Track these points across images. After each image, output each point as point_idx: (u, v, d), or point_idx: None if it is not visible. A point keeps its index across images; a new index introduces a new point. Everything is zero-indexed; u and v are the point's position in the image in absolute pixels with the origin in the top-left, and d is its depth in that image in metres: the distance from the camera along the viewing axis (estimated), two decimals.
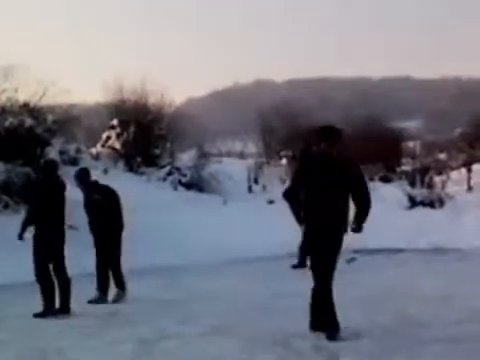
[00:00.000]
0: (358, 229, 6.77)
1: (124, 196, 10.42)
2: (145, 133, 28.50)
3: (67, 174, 13.18)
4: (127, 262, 10.25)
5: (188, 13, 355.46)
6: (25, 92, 19.76)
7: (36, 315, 8.79)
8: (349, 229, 6.83)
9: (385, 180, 32.58)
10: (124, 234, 10.17)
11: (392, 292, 9.67)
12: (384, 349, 6.31)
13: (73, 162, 22.56)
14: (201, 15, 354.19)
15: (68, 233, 9.29)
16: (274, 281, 12.16)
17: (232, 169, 28.60)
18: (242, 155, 45.22)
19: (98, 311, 9.20)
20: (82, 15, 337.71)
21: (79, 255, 10.82)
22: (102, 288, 9.95)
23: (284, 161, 34.63)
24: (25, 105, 19.75)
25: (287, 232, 14.78)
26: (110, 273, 10.04)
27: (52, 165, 9.50)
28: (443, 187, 27.70)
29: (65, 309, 8.98)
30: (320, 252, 6.72)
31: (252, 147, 41.86)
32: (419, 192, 24.89)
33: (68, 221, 9.42)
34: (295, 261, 14.21)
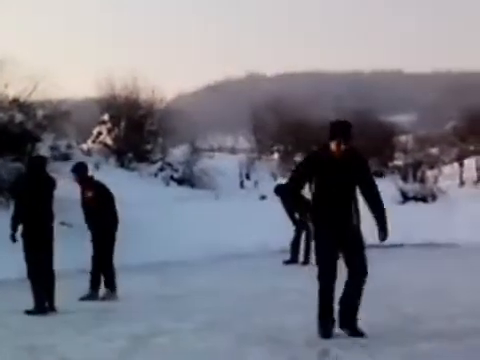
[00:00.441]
0: (385, 236, 6.72)
1: (116, 192, 10.36)
2: (136, 128, 28.38)
3: (58, 170, 13.16)
4: (119, 258, 10.19)
5: (180, 7, 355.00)
6: (15, 87, 19.64)
7: (27, 312, 8.73)
8: (378, 239, 6.73)
9: (377, 175, 32.52)
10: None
11: (385, 287, 9.66)
12: (377, 344, 6.28)
13: (64, 158, 22.44)
14: (193, 9, 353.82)
15: (62, 230, 9.25)
16: (266, 277, 12.15)
17: (224, 164, 28.55)
18: (233, 150, 45.14)
19: (90, 307, 9.16)
20: (72, 9, 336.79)
21: (73, 251, 10.78)
22: (94, 285, 9.90)
23: (276, 156, 34.62)
24: (15, 100, 19.61)
25: (279, 228, 14.81)
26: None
27: (40, 161, 9.38)
28: (435, 182, 27.75)
29: (52, 306, 8.91)
30: (351, 251, 6.63)
31: (243, 142, 41.78)
32: (411, 187, 24.91)
33: (62, 218, 9.36)
34: (287, 257, 14.21)
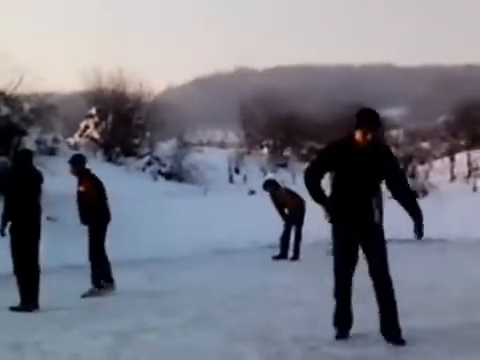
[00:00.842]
0: (421, 233, 6.41)
1: None
2: (124, 122, 28.23)
3: (44, 164, 13.01)
4: (107, 254, 10.07)
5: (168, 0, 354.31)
6: (0, 80, 19.46)
7: (13, 308, 8.61)
8: (415, 237, 6.40)
9: None
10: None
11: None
12: (367, 340, 6.21)
13: (51, 152, 22.27)
14: (182, 3, 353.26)
15: (47, 224, 9.10)
16: (255, 272, 12.08)
17: (213, 159, 28.47)
18: (222, 145, 45.03)
19: (77, 304, 9.07)
20: (58, 2, 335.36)
21: (57, 246, 10.65)
22: (95, 280, 9.77)
23: (265, 150, 34.53)
24: (1, 94, 19.44)
25: (268, 223, 14.74)
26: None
27: (26, 155, 9.24)
28: (426, 177, 27.72)
29: (35, 302, 8.76)
30: (369, 251, 6.27)
31: (233, 136, 41.65)
32: None
33: (47, 212, 9.22)
34: (277, 252, 14.12)
